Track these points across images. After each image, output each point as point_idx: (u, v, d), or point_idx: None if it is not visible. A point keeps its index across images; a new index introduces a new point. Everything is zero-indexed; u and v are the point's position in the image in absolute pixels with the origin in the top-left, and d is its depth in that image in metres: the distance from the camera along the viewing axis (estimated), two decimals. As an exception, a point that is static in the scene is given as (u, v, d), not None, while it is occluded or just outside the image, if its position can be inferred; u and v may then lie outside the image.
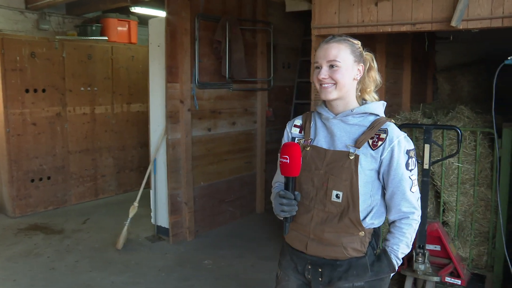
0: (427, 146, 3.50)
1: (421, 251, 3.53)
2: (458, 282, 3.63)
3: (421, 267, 3.52)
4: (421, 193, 3.55)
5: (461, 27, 3.07)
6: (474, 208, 3.83)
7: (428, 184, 3.60)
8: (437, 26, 3.18)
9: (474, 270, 3.86)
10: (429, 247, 3.69)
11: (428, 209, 3.82)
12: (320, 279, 1.88)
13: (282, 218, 1.86)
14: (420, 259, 3.52)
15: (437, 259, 3.76)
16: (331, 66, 1.81)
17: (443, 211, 3.99)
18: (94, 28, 6.50)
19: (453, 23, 3.02)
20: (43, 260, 4.53)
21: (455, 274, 3.68)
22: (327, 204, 1.83)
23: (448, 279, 3.66)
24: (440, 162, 3.82)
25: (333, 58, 1.81)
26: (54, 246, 4.89)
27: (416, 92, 5.71)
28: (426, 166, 3.53)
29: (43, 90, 5.96)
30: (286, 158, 1.75)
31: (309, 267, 1.91)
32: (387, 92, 4.89)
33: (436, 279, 3.56)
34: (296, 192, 1.82)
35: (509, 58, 2.93)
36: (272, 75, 6.03)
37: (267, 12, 5.91)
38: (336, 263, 1.85)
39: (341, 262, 1.85)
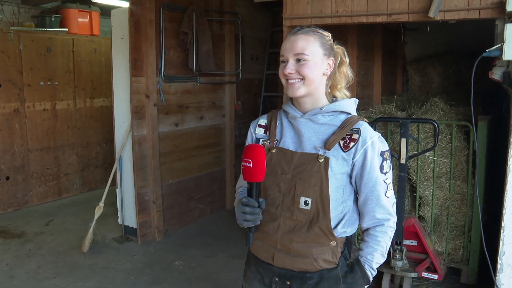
0: (403, 141, 3.42)
1: (399, 247, 3.47)
2: (435, 277, 3.60)
3: (399, 263, 3.45)
4: (398, 188, 3.49)
5: (438, 18, 2.99)
6: (450, 202, 3.78)
7: (405, 179, 3.53)
8: (414, 17, 3.08)
9: (450, 264, 3.83)
10: (406, 242, 3.63)
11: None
12: None
13: (245, 228, 1.68)
14: (397, 255, 3.45)
15: (414, 254, 3.71)
16: (298, 60, 1.64)
17: (419, 205, 3.95)
18: (53, 19, 6.17)
19: (430, 14, 2.93)
20: (1, 268, 4.23)
21: (431, 269, 3.65)
22: (294, 211, 1.67)
23: (425, 274, 3.63)
24: (415, 156, 3.76)
25: (300, 51, 1.63)
26: (14, 252, 4.61)
27: (386, 84, 5.66)
28: (403, 161, 3.46)
29: (-1, 85, 5.62)
30: (249, 162, 1.57)
31: (277, 279, 1.75)
32: (358, 84, 4.81)
33: (413, 275, 3.51)
34: (261, 199, 1.65)
35: (487, 50, 2.85)
36: (240, 67, 5.87)
37: (234, 2, 5.73)
38: (306, 276, 1.70)
39: (311, 274, 1.70)
